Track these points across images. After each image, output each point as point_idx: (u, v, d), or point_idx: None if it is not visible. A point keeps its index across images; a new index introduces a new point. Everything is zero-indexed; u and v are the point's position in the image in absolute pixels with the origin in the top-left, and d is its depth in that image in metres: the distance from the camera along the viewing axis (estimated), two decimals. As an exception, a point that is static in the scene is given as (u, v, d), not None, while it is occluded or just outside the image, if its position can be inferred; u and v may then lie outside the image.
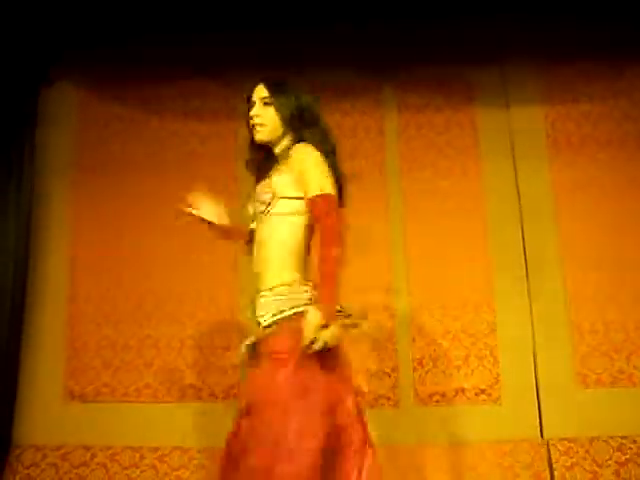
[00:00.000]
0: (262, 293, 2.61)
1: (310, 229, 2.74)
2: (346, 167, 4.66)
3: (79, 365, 4.53)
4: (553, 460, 4.12)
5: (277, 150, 2.84)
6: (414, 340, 4.47)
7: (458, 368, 4.40)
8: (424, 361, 4.43)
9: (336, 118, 4.80)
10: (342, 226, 2.61)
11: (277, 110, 2.76)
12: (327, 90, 4.81)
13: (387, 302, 4.53)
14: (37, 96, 4.85)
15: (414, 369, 4.42)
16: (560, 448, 4.15)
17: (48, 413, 4.46)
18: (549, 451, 4.15)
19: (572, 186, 4.64)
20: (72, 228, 4.77)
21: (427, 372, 4.41)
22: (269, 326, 2.57)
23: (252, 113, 2.80)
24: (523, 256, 4.55)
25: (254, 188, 2.85)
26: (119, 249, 4.68)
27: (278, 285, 2.61)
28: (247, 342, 2.69)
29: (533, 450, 4.16)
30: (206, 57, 4.84)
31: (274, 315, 2.56)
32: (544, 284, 4.49)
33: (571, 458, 4.10)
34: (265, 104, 2.78)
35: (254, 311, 2.63)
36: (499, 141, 4.78)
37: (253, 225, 2.79)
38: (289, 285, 2.60)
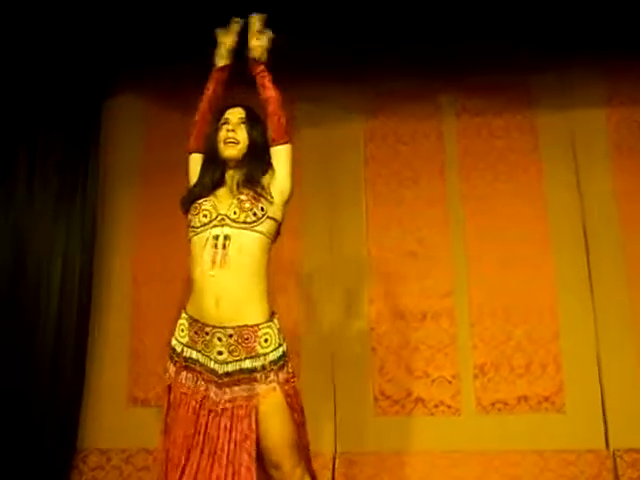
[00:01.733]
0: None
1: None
2: (405, 172, 4.74)
3: (142, 371, 4.61)
4: (619, 472, 4.01)
5: (240, 170, 2.85)
6: (475, 347, 4.42)
7: (520, 375, 4.34)
8: (486, 368, 4.38)
9: (395, 124, 4.81)
10: None
11: (249, 133, 2.86)
12: (386, 95, 4.82)
13: (448, 307, 4.49)
14: (101, 108, 4.95)
15: (475, 376, 4.37)
16: (627, 459, 4.05)
17: (112, 417, 4.55)
18: (615, 462, 4.05)
19: (636, 189, 4.53)
20: (136, 236, 4.86)
21: (489, 380, 4.36)
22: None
23: (230, 128, 2.87)
24: (586, 261, 4.46)
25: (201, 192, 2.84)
26: (183, 256, 4.70)
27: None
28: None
29: (598, 461, 4.07)
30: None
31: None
32: (608, 289, 4.39)
33: (639, 470, 3.99)
34: (242, 124, 2.87)
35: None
36: (560, 144, 4.70)
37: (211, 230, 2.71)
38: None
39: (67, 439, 4.46)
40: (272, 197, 2.74)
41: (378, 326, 4.52)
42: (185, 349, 2.65)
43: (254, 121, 2.89)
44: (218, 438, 2.50)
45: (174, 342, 2.70)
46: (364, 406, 4.40)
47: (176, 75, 4.91)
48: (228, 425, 2.50)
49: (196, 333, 2.63)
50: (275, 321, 2.63)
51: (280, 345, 2.58)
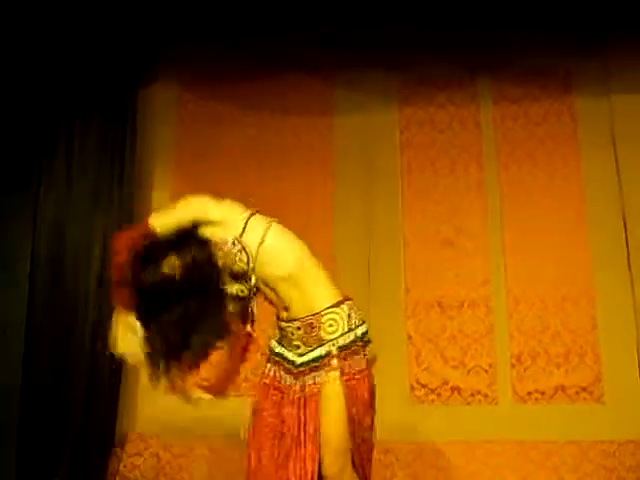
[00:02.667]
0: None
1: None
2: (441, 161, 4.71)
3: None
4: (660, 462, 3.98)
5: None
6: (512, 336, 4.39)
7: (558, 365, 4.30)
8: (522, 357, 4.35)
9: (431, 111, 4.78)
10: None
11: None
12: (422, 84, 4.79)
13: (485, 296, 4.46)
14: (136, 95, 4.98)
15: (512, 365, 4.35)
16: (668, 449, 4.01)
17: (150, 405, 4.58)
18: (656, 453, 4.02)
19: (677, 175, 4.46)
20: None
21: (525, 369, 4.32)
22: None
23: None
24: (625, 249, 4.40)
25: None
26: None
27: None
28: None
29: (639, 451, 4.03)
30: (301, 53, 4.86)
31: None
32: (648, 278, 4.33)
33: (679, 460, 3.96)
34: None
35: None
36: (599, 130, 4.63)
37: None
38: None
39: (106, 425, 4.52)
40: None
41: (414, 315, 4.51)
42: (276, 345, 2.71)
43: None
44: (291, 427, 2.53)
45: (272, 341, 2.75)
46: (400, 394, 4.39)
47: (209, 63, 4.95)
48: (298, 414, 2.52)
49: (280, 330, 2.68)
50: (343, 307, 2.57)
51: (351, 330, 2.54)
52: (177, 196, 4.84)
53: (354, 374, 2.51)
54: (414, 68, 4.77)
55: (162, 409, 4.54)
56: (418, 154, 4.75)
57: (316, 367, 2.52)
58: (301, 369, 2.56)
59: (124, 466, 4.50)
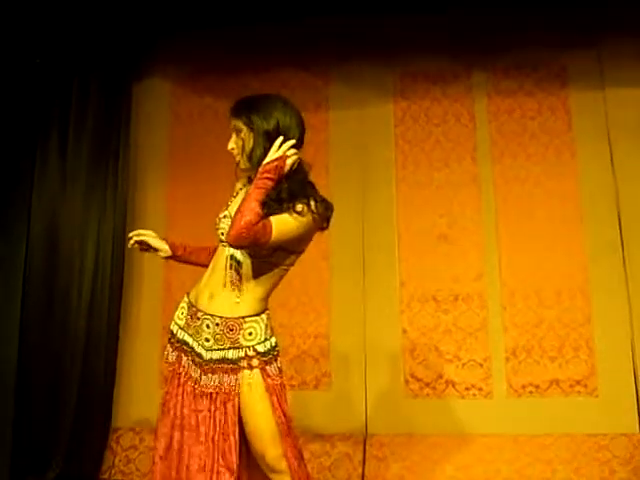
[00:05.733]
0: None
1: None
2: (436, 154, 4.71)
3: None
4: (654, 456, 3.99)
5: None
6: (507, 330, 4.40)
7: (552, 359, 4.31)
8: (517, 351, 4.36)
9: (426, 105, 4.78)
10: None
11: (236, 142, 2.66)
12: (417, 77, 4.79)
13: (479, 290, 4.47)
14: (131, 89, 4.98)
15: (507, 359, 4.36)
16: (660, 443, 4.03)
17: (146, 398, 4.60)
18: (649, 446, 4.03)
19: (671, 169, 4.47)
20: (167, 218, 4.90)
21: (520, 362, 4.34)
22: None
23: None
24: (620, 242, 4.39)
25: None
26: (212, 236, 4.72)
27: None
28: None
29: (632, 445, 4.04)
30: (297, 47, 4.87)
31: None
32: (642, 271, 4.33)
33: (673, 454, 3.98)
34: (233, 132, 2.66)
35: None
36: (594, 124, 4.62)
37: None
38: None
39: (101, 419, 4.53)
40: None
41: (409, 309, 4.51)
42: (180, 331, 2.68)
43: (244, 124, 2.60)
44: (204, 421, 2.53)
45: (172, 324, 2.72)
46: (395, 388, 4.41)
47: (203, 57, 4.95)
48: (213, 409, 2.53)
49: (191, 317, 2.65)
50: (263, 316, 2.58)
51: (267, 339, 2.55)
52: (172, 190, 4.92)
53: (274, 380, 2.53)
54: (409, 62, 4.77)
55: (157, 403, 4.54)
56: (413, 148, 4.74)
57: (230, 368, 2.52)
58: (212, 366, 2.55)
59: (119, 460, 4.51)
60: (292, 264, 2.67)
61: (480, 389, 4.34)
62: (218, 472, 2.48)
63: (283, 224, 2.46)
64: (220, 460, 2.48)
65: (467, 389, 4.35)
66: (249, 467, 2.61)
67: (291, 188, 2.52)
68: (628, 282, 4.34)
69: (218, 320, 2.57)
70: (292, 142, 2.52)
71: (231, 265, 2.59)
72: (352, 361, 4.48)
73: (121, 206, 4.73)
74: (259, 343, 2.54)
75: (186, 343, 2.64)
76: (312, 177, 4.60)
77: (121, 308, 4.70)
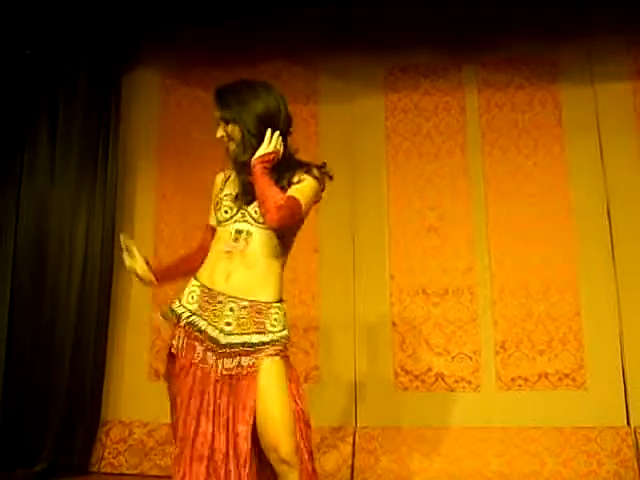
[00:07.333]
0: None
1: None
2: (426, 147, 4.71)
3: (164, 345, 4.61)
4: (641, 448, 4.00)
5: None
6: (496, 323, 4.41)
7: (541, 352, 4.33)
8: (507, 345, 4.37)
9: (417, 98, 4.78)
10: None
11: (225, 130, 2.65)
12: (408, 70, 4.79)
13: (469, 283, 4.48)
14: (120, 81, 4.98)
15: (496, 353, 4.37)
16: (648, 436, 4.04)
17: (135, 391, 4.60)
18: (636, 439, 4.04)
19: (661, 163, 4.48)
20: (156, 208, 4.91)
21: (509, 356, 4.35)
22: None
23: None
24: (609, 237, 4.41)
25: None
26: (203, 226, 4.74)
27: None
28: None
29: (619, 438, 4.07)
30: (287, 39, 4.86)
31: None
32: (631, 266, 4.34)
33: (660, 446, 3.99)
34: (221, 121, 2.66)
35: None
36: (584, 118, 4.63)
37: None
38: None
39: (91, 412, 4.52)
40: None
41: (399, 301, 4.52)
42: (191, 316, 2.56)
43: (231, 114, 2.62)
44: (222, 406, 2.49)
45: (179, 308, 2.60)
46: (385, 381, 4.41)
47: (192, 49, 4.94)
48: (230, 394, 2.50)
49: (207, 302, 2.56)
50: (284, 306, 2.58)
51: (285, 328, 2.53)
52: (162, 181, 4.91)
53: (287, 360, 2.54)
54: (400, 55, 4.77)
55: (146, 396, 4.56)
56: (403, 141, 4.75)
57: (250, 352, 2.48)
58: (227, 350, 2.50)
59: (108, 452, 4.51)
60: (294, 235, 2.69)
61: (469, 382, 4.35)
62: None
63: (301, 192, 2.53)
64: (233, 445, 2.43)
65: (456, 382, 4.36)
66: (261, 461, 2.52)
67: (288, 164, 2.62)
68: (617, 276, 4.35)
69: (246, 303, 2.52)
70: (278, 133, 2.55)
71: (238, 239, 2.58)
72: (341, 354, 4.48)
73: (110, 197, 4.73)
74: (281, 330, 2.51)
75: (199, 329, 2.54)
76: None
77: (110, 301, 4.69)
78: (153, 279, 2.76)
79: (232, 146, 2.64)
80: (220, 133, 2.65)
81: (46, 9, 4.56)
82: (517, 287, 4.43)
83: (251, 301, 2.52)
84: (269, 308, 2.53)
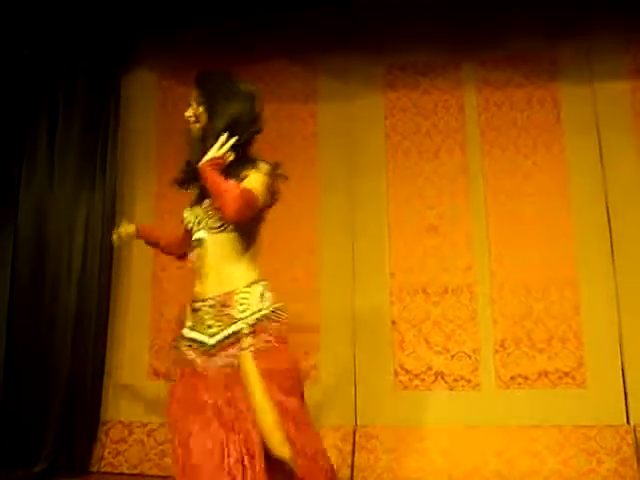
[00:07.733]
0: None
1: None
2: (425, 146, 4.71)
3: (163, 344, 4.64)
4: (640, 447, 4.00)
5: None
6: (496, 321, 4.40)
7: (541, 351, 4.32)
8: (506, 343, 4.37)
9: (416, 97, 4.78)
10: None
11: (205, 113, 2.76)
12: (406, 69, 4.79)
13: (469, 282, 4.48)
14: (119, 81, 4.98)
15: (496, 351, 4.37)
16: (648, 434, 4.04)
17: (134, 391, 4.59)
18: (636, 437, 4.04)
19: (660, 162, 4.47)
20: (156, 209, 4.89)
21: (509, 354, 4.35)
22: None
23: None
24: (609, 235, 4.41)
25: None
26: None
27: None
28: None
29: (619, 436, 4.06)
30: (285, 39, 4.86)
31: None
32: (630, 264, 4.34)
33: (660, 445, 3.99)
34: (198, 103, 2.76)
35: None
36: (583, 117, 4.63)
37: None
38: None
39: (91, 412, 4.52)
40: None
41: (398, 300, 4.52)
42: (189, 332, 2.65)
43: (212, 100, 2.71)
44: (221, 406, 2.50)
45: (185, 328, 2.70)
46: (384, 380, 4.42)
47: (190, 49, 4.93)
48: (224, 392, 2.51)
49: (192, 312, 2.66)
50: (256, 286, 2.59)
51: (260, 310, 2.54)
52: (160, 181, 4.90)
53: (269, 349, 2.50)
54: (398, 54, 4.77)
55: (145, 396, 4.56)
56: (403, 140, 4.75)
57: (232, 345, 2.51)
58: (217, 349, 2.54)
59: (108, 452, 4.51)
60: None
61: (469, 381, 4.35)
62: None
63: (251, 185, 2.56)
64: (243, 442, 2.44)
65: (456, 381, 4.36)
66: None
67: (238, 164, 2.63)
68: (616, 275, 4.35)
69: (211, 302, 2.57)
70: (234, 140, 2.58)
71: (199, 246, 2.66)
72: (341, 353, 4.48)
73: (110, 195, 4.72)
74: (253, 313, 2.53)
75: (194, 340, 2.61)
76: (300, 170, 4.67)
77: (110, 301, 4.69)
78: (133, 229, 3.12)
79: (195, 128, 2.74)
80: (190, 112, 2.74)
81: (45, 11, 4.56)
82: (517, 285, 4.42)
83: (217, 296, 2.57)
84: (234, 296, 2.56)
